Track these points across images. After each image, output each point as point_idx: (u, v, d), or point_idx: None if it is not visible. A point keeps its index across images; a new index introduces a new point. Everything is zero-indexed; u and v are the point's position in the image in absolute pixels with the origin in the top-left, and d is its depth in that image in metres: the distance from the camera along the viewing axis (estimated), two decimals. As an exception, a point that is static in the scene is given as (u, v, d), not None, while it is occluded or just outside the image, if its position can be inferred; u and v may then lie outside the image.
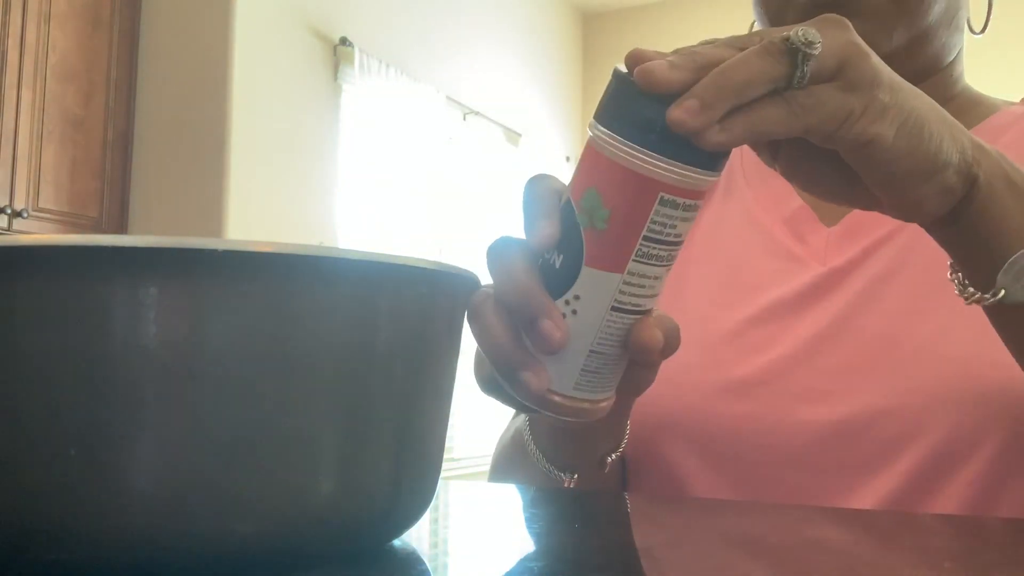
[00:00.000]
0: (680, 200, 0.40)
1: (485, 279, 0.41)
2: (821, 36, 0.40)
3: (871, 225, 0.66)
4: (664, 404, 0.65)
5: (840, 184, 0.46)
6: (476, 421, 4.01)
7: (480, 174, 4.24)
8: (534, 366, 0.42)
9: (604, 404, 0.45)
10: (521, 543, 0.39)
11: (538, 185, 0.44)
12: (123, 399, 0.28)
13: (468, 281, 0.36)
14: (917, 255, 0.63)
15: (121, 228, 2.91)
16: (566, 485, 0.56)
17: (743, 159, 0.76)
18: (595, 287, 0.41)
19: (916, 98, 0.44)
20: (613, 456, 0.57)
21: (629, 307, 0.42)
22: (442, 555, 0.38)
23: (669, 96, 0.39)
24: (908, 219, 0.46)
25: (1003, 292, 0.46)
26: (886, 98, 0.42)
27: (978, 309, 0.49)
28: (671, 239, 0.41)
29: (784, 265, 0.68)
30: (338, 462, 0.31)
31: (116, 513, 0.28)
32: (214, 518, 0.28)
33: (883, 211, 0.46)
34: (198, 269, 0.28)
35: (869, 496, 0.59)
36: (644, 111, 0.39)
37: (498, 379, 0.44)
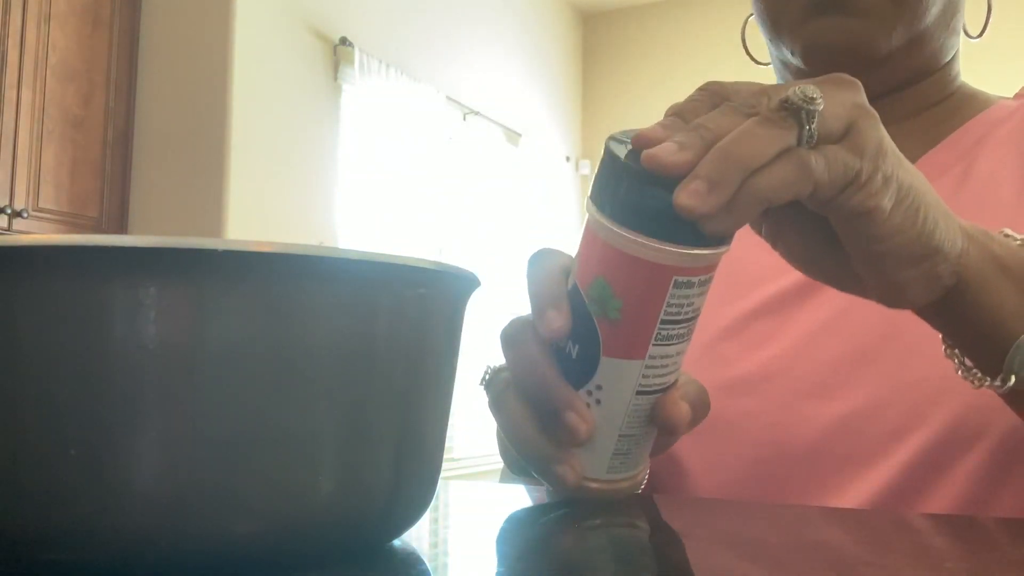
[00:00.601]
0: (695, 279, 0.38)
1: (485, 279, 0.41)
2: (826, 95, 0.38)
3: None
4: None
5: (825, 259, 0.44)
6: (476, 421, 4.01)
7: (480, 174, 4.24)
8: (567, 459, 0.42)
9: (641, 477, 0.44)
10: (521, 543, 0.39)
11: (541, 267, 0.42)
12: (123, 399, 0.28)
13: (468, 281, 0.36)
14: None
15: (121, 228, 2.91)
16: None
17: None
18: (617, 376, 0.39)
19: (915, 176, 0.42)
20: None
21: (655, 388, 0.41)
22: (442, 555, 0.38)
23: (673, 180, 0.36)
24: (891, 305, 0.44)
25: (1013, 379, 0.45)
26: (889, 169, 0.40)
27: None
28: (689, 315, 0.39)
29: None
30: (338, 462, 0.31)
31: (116, 513, 0.28)
32: (214, 518, 0.28)
33: (865, 295, 0.45)
34: (198, 269, 0.28)
35: (869, 488, 0.59)
36: (648, 199, 0.36)
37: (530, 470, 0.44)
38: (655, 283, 0.37)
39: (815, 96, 0.38)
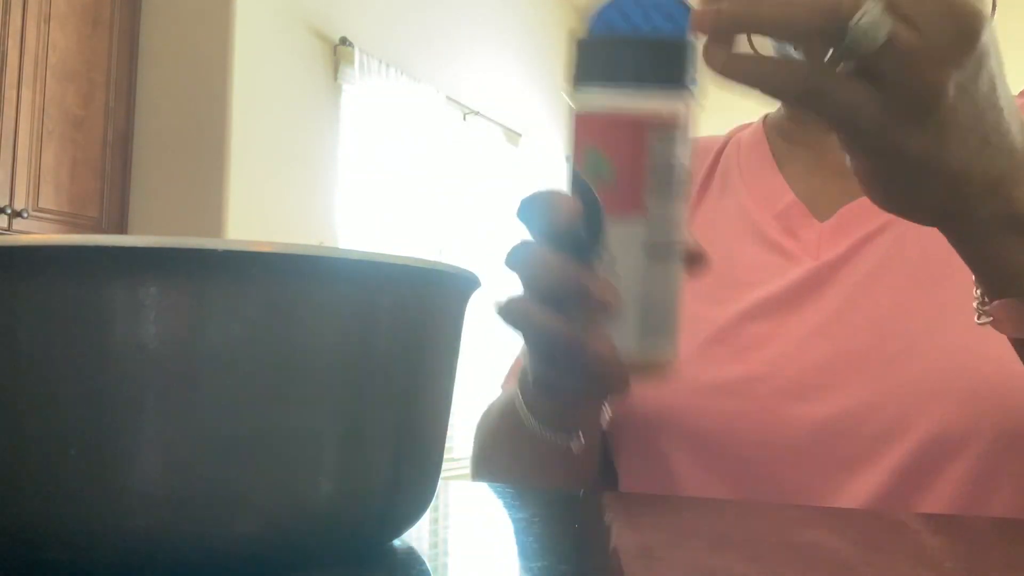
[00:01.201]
0: (671, 129, 0.42)
1: (485, 279, 0.41)
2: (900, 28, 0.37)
3: (864, 219, 0.66)
4: (656, 400, 0.65)
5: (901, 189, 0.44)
6: (476, 421, 4.00)
7: (480, 174, 4.24)
8: (597, 337, 0.43)
9: (673, 352, 0.46)
10: (521, 543, 0.39)
11: (533, 193, 0.45)
12: (123, 399, 0.28)
13: (468, 281, 0.36)
14: (909, 249, 0.63)
15: (121, 228, 2.91)
16: (574, 450, 0.55)
17: (739, 155, 0.76)
18: (624, 236, 0.42)
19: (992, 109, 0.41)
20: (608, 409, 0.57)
21: (663, 243, 0.43)
22: (442, 555, 0.38)
23: (633, 41, 0.41)
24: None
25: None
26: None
27: (969, 304, 0.49)
28: (675, 165, 0.42)
29: (776, 260, 0.68)
30: (338, 462, 0.31)
31: (116, 513, 0.28)
32: (214, 518, 0.28)
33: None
34: (198, 269, 0.28)
35: (858, 491, 0.59)
36: (608, 51, 0.42)
37: (560, 373, 0.45)
38: (634, 134, 0.42)
39: (878, 38, 0.37)
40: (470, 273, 0.37)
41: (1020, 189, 0.44)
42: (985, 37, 0.40)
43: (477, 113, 4.17)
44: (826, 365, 0.62)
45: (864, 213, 0.65)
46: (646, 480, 0.68)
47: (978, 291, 0.49)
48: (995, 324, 0.47)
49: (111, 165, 2.89)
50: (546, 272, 0.43)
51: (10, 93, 2.58)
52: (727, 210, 0.74)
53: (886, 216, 0.64)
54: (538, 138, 4.66)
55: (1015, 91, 0.72)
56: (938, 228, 0.45)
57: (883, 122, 0.39)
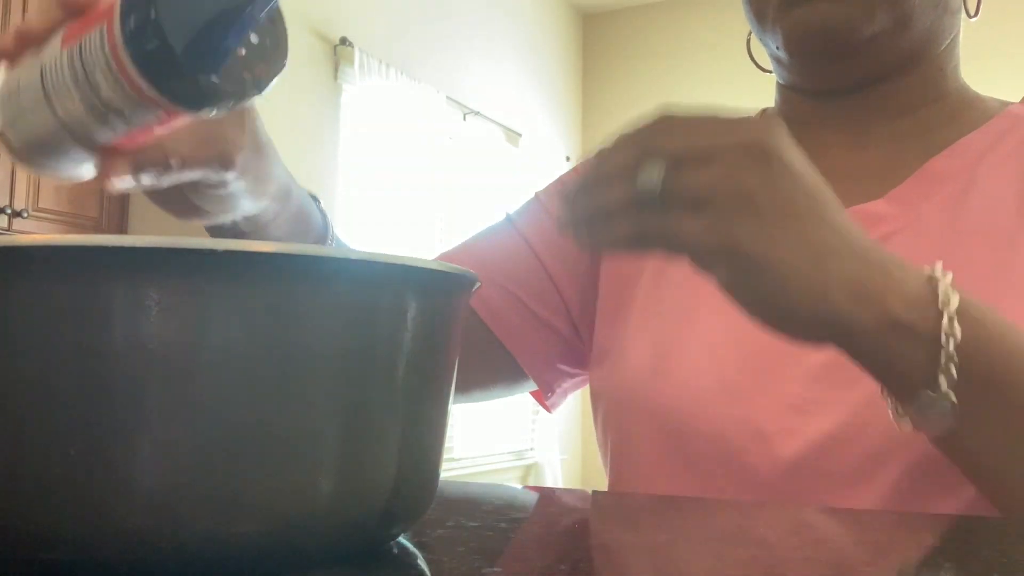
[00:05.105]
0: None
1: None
2: (682, 171, 0.44)
3: (862, 227, 0.66)
4: (651, 399, 0.65)
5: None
6: (476, 421, 4.01)
7: (480, 174, 4.24)
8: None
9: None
10: (521, 543, 0.39)
11: None
12: (123, 399, 0.28)
13: (468, 281, 0.36)
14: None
15: (121, 228, 2.91)
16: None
17: None
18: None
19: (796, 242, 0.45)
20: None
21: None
22: (442, 555, 0.38)
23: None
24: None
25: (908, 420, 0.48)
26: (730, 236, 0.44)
27: None
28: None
29: None
30: (338, 462, 0.31)
31: (116, 513, 0.28)
32: (214, 518, 0.28)
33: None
34: (198, 269, 0.28)
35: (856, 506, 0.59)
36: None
37: None
38: None
39: (656, 188, 0.44)
40: (470, 273, 0.37)
41: (893, 296, 0.45)
42: (775, 150, 0.45)
43: (477, 113, 4.17)
44: (825, 380, 0.61)
45: (864, 220, 0.65)
46: (625, 482, 0.69)
47: (889, 398, 0.50)
48: (916, 426, 0.49)
49: (111, 165, 2.88)
50: None
51: (10, 93, 2.58)
52: None
53: (886, 224, 0.64)
54: (538, 138, 4.65)
55: (1015, 97, 0.72)
56: (833, 344, 0.47)
57: (707, 237, 0.44)
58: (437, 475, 0.37)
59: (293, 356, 0.29)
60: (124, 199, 2.93)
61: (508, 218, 0.79)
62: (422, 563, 0.35)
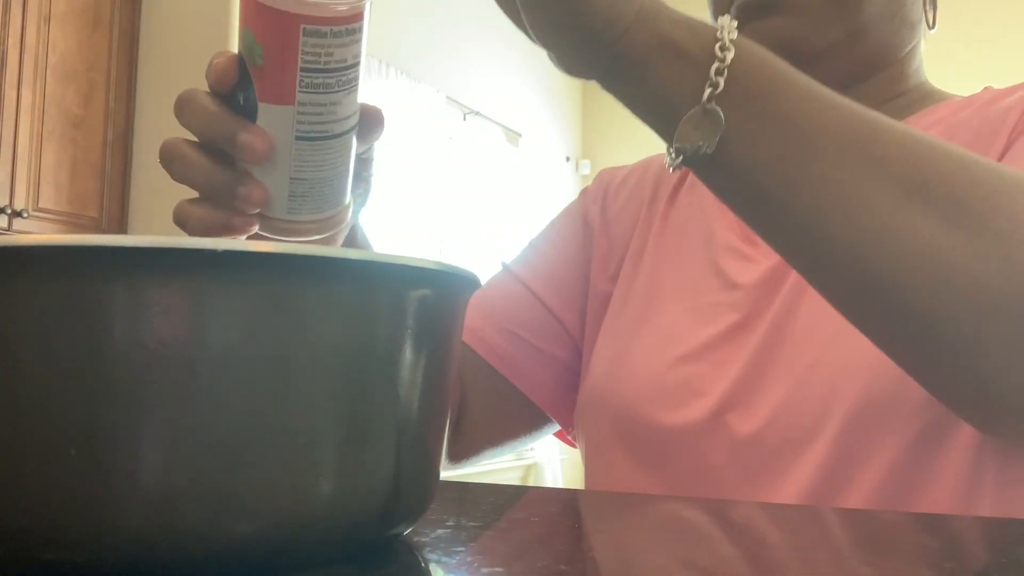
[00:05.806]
0: (325, 29, 0.41)
1: (485, 279, 0.41)
2: None
3: None
4: (608, 400, 0.68)
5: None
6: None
7: (480, 174, 4.24)
8: (248, 182, 0.46)
9: (333, 216, 0.47)
10: (521, 543, 0.39)
11: (218, 53, 0.47)
12: (123, 399, 0.28)
13: (468, 281, 0.36)
14: None
15: (121, 228, 2.91)
16: None
17: None
18: (275, 121, 0.43)
19: None
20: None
21: (315, 135, 0.44)
22: (442, 555, 0.38)
23: None
24: (562, 71, 0.49)
25: (678, 156, 0.47)
26: None
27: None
28: (333, 66, 0.42)
29: (735, 264, 0.69)
30: (338, 462, 0.31)
31: (116, 513, 0.28)
32: (214, 518, 0.28)
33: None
34: (198, 269, 0.28)
35: (787, 493, 0.60)
36: None
37: (205, 210, 0.49)
38: (285, 30, 0.41)
39: None
40: (470, 273, 0.37)
41: (663, 21, 0.46)
42: None
43: (477, 113, 4.17)
44: (756, 376, 0.63)
45: None
46: (601, 477, 0.70)
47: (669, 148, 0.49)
48: (687, 162, 0.47)
49: (111, 165, 2.89)
50: (203, 115, 0.46)
51: (10, 93, 2.58)
52: (692, 208, 0.75)
53: None
54: (538, 138, 4.66)
55: (1016, 82, 0.73)
56: (607, 73, 0.47)
57: None
58: (437, 475, 0.37)
59: (293, 356, 0.29)
60: (124, 199, 2.93)
61: (504, 266, 0.81)
62: (422, 563, 0.35)
